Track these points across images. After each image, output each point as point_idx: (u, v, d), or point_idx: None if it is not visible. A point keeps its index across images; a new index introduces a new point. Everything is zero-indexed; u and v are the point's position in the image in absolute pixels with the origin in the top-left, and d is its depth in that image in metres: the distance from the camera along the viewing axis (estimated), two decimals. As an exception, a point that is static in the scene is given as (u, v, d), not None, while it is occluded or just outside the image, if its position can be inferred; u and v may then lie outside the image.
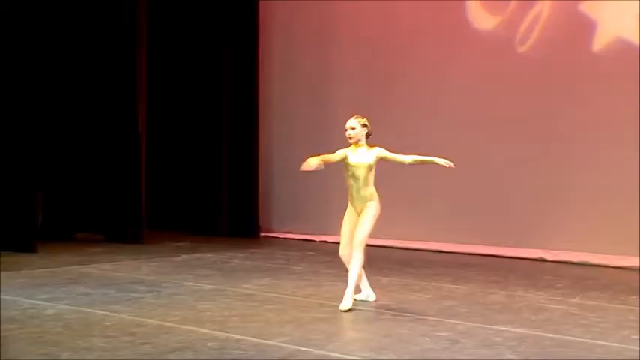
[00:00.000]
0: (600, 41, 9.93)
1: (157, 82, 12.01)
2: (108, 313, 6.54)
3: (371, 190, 6.86)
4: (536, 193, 10.35)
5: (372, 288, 7.24)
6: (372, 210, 6.84)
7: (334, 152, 6.93)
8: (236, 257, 9.87)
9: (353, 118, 6.94)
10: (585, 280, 8.58)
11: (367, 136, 6.90)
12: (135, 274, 8.47)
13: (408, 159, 6.88)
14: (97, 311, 6.60)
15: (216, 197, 12.20)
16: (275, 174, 12.31)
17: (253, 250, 10.47)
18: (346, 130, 6.90)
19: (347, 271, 6.98)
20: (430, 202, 10.99)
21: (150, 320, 6.30)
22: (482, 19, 10.71)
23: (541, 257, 9.98)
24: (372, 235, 10.48)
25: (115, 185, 11.13)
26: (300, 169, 6.60)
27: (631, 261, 9.35)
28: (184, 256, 9.84)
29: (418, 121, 11.11)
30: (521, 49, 10.44)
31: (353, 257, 6.83)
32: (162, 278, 8.23)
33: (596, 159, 9.98)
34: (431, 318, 6.52)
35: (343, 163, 6.85)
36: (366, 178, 6.81)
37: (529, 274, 8.84)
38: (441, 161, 6.87)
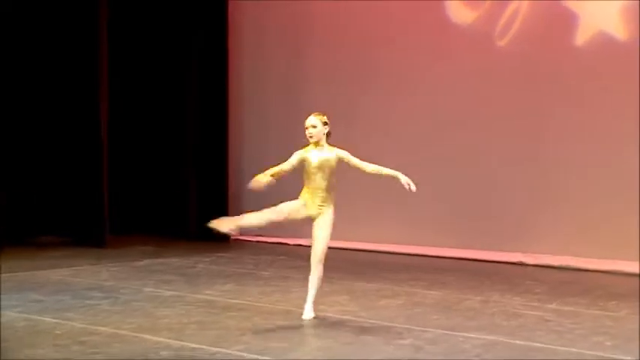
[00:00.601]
0: (583, 35, 9.99)
1: (120, 79, 11.99)
2: (60, 321, 6.56)
3: (332, 195, 6.68)
4: (518, 194, 10.38)
5: (340, 294, 7.24)
6: (329, 218, 6.66)
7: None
8: (202, 262, 9.90)
9: (313, 115, 6.75)
10: (565, 284, 8.66)
11: (327, 135, 6.75)
12: (93, 280, 8.49)
13: (369, 167, 6.72)
14: (48, 319, 6.62)
15: (184, 199, 12.19)
16: (246, 174, 12.22)
17: (221, 255, 10.49)
18: (307, 129, 6.70)
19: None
20: (408, 203, 10.94)
21: (103, 328, 6.33)
22: (460, 13, 10.75)
23: (521, 261, 10.04)
24: (346, 237, 10.53)
25: (76, 187, 11.13)
26: (249, 188, 6.54)
27: (615, 265, 9.42)
28: (147, 261, 9.85)
29: (396, 120, 11.14)
30: (500, 43, 10.49)
31: (315, 272, 6.77)
32: (121, 284, 8.26)
33: (580, 157, 10.01)
34: (399, 325, 6.58)
35: (302, 165, 6.66)
36: (328, 181, 6.64)
37: (508, 279, 8.92)
38: (403, 179, 6.73)
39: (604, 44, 9.85)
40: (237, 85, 12.23)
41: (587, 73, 9.94)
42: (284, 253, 10.66)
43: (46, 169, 11.31)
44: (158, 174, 12.40)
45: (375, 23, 11.28)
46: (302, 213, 6.69)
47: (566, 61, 10.07)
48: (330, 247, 11.21)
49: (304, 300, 6.84)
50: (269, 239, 11.56)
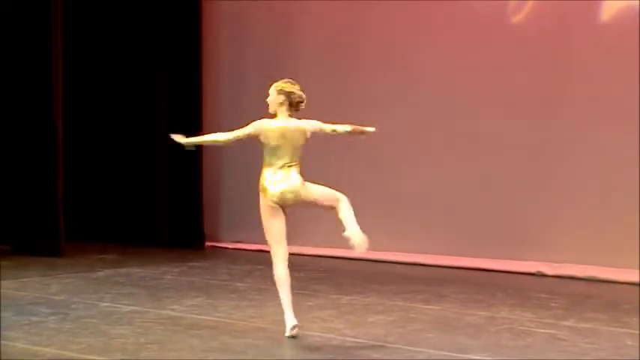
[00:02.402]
0: (609, 9, 10.02)
1: (83, 77, 12.32)
2: (-2, 340, 6.62)
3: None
4: (535, 194, 10.43)
5: (325, 309, 7.27)
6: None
7: None
8: (170, 272, 9.99)
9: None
10: (587, 298, 8.74)
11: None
12: (41, 294, 8.56)
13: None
14: (-14, 339, 6.68)
15: (154, 202, 12.31)
16: (223, 175, 12.39)
17: (193, 264, 10.58)
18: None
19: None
20: (404, 204, 11.07)
21: (46, 349, 6.38)
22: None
23: (540, 271, 10.10)
24: (332, 244, 10.53)
25: (27, 188, 11.21)
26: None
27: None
28: (107, 272, 9.94)
29: (394, 109, 11.18)
30: (515, 19, 10.52)
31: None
32: (73, 298, 8.33)
33: (607, 151, 10.04)
34: (388, 345, 6.64)
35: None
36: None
37: (521, 292, 8.98)
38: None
39: (633, 20, 9.85)
40: (214, 80, 12.42)
41: (614, 53, 9.96)
42: (264, 262, 10.62)
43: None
44: (124, 174, 12.49)
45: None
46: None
47: (590, 39, 10.11)
48: (314, 255, 11.25)
49: (282, 316, 6.89)
50: (248, 246, 11.62)
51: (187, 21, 12.22)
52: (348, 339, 6.83)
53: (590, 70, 10.12)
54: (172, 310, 7.84)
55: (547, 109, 10.32)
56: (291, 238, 11.13)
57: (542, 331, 7.16)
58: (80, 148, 12.44)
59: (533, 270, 10.13)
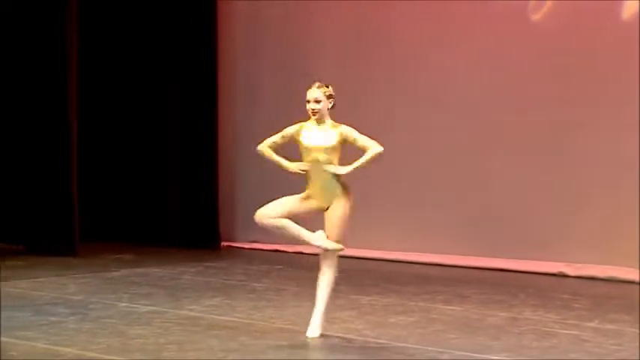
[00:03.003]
0: (631, 6, 9.99)
1: (96, 75, 12.41)
2: (18, 340, 6.64)
3: (340, 182, 6.72)
4: (555, 194, 10.44)
5: (345, 309, 7.27)
6: (340, 209, 6.73)
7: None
8: (187, 272, 10.03)
9: (316, 86, 6.78)
10: (610, 299, 8.76)
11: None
12: (58, 294, 8.60)
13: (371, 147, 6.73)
14: (4, 338, 6.68)
15: (168, 201, 12.35)
16: (239, 173, 12.41)
17: (209, 264, 10.63)
18: (308, 102, 6.76)
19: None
20: (424, 204, 11.08)
21: (67, 349, 6.41)
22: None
23: (561, 272, 10.14)
24: (352, 244, 10.57)
25: (41, 188, 11.27)
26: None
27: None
28: (123, 272, 9.98)
29: (411, 108, 11.20)
30: (534, 17, 10.52)
31: (324, 274, 6.83)
32: (91, 298, 8.37)
33: (629, 150, 10.02)
34: (410, 345, 6.66)
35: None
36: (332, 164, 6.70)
37: (543, 293, 9.02)
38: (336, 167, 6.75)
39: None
40: (229, 79, 12.41)
41: (634, 51, 9.93)
42: (281, 262, 10.76)
43: (6, 168, 11.47)
44: (138, 173, 12.54)
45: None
46: (306, 205, 6.78)
47: (611, 37, 10.10)
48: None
49: (302, 317, 6.92)
50: (265, 246, 11.66)
51: (203, 20, 12.26)
52: (369, 339, 6.86)
53: (610, 69, 10.10)
54: (191, 310, 7.88)
55: (569, 106, 10.30)
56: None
57: (566, 332, 7.19)
58: (95, 148, 12.50)
59: (554, 270, 10.16)
